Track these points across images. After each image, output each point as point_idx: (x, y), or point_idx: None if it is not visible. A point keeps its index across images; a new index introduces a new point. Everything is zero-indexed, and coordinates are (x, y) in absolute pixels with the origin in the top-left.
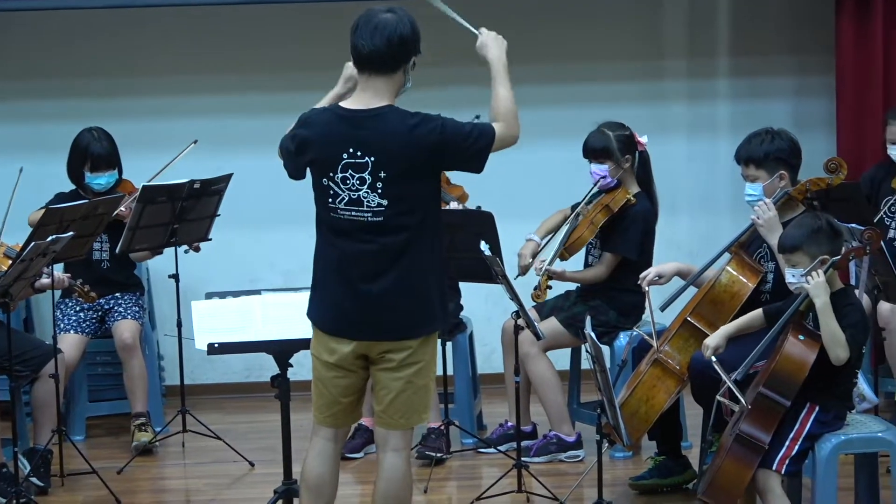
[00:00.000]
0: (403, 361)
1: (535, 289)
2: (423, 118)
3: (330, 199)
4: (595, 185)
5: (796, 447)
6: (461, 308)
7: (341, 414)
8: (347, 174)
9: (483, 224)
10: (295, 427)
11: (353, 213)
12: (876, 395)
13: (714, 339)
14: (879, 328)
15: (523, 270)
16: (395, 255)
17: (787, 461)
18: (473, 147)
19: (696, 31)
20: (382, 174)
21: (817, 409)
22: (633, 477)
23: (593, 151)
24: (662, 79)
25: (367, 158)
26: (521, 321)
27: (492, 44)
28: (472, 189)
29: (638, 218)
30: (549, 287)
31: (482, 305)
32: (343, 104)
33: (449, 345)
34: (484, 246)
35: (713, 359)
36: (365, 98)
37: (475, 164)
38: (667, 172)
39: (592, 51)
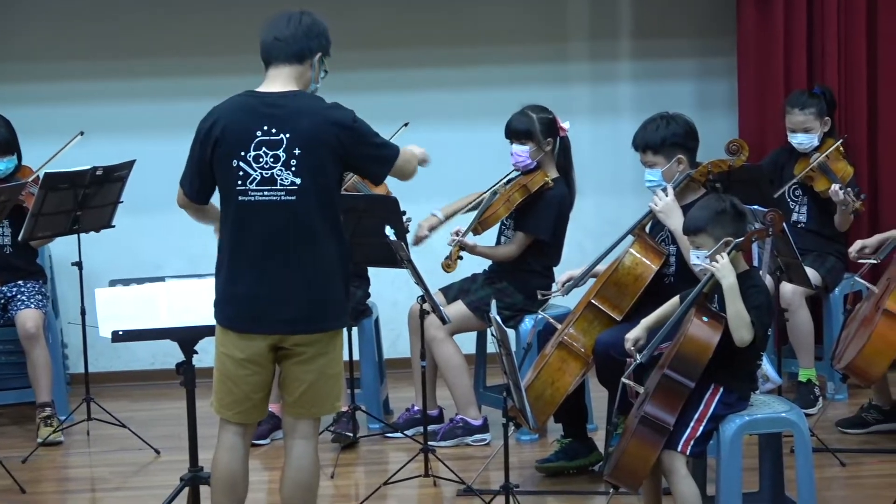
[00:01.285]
0: (317, 352)
1: (447, 258)
2: (336, 104)
3: (240, 182)
4: (516, 167)
5: (701, 428)
6: (368, 295)
7: (252, 410)
8: (261, 152)
9: (388, 209)
10: (201, 414)
11: (266, 193)
12: (779, 375)
13: (635, 332)
14: (782, 309)
15: (416, 240)
16: (308, 241)
17: (691, 442)
18: (380, 151)
19: (599, 14)
20: (297, 150)
21: (721, 390)
22: (540, 460)
23: (515, 132)
24: (565, 61)
25: (281, 135)
26: (426, 305)
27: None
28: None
29: (553, 201)
30: (461, 258)
31: (388, 290)
32: (262, 88)
33: (355, 330)
34: (389, 231)
35: (638, 356)
36: (275, 86)
37: (376, 169)
38: (572, 155)
39: (495, 33)
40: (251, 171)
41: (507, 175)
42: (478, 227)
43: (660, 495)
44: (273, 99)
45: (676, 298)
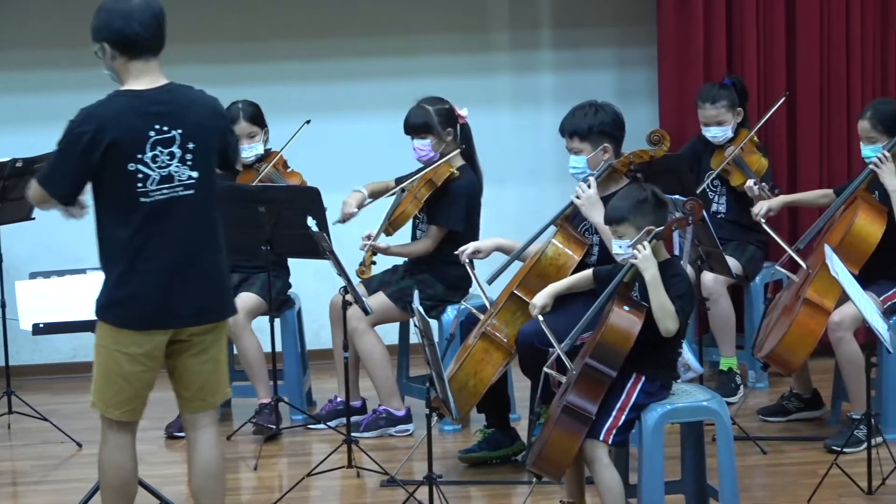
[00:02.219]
0: (213, 340)
1: (360, 264)
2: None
3: (139, 184)
4: (420, 161)
5: (623, 417)
6: (289, 286)
7: (140, 407)
8: (157, 151)
9: (309, 200)
10: None
11: (166, 191)
12: (700, 364)
13: (541, 297)
14: (703, 298)
15: (344, 218)
16: (208, 232)
17: (613, 431)
18: (235, 138)
19: (519, 3)
20: (190, 145)
21: (643, 379)
22: (463, 450)
23: (414, 127)
24: (486, 51)
25: (173, 132)
26: (348, 297)
27: None
28: (297, 162)
29: (462, 191)
30: (374, 262)
31: (310, 282)
32: (130, 88)
33: (277, 321)
34: (311, 222)
35: (540, 318)
36: (148, 81)
37: (235, 157)
38: (493, 145)
39: (417, 24)
40: (150, 172)
41: (415, 174)
42: (388, 228)
43: (582, 484)
44: (154, 96)
45: (589, 271)
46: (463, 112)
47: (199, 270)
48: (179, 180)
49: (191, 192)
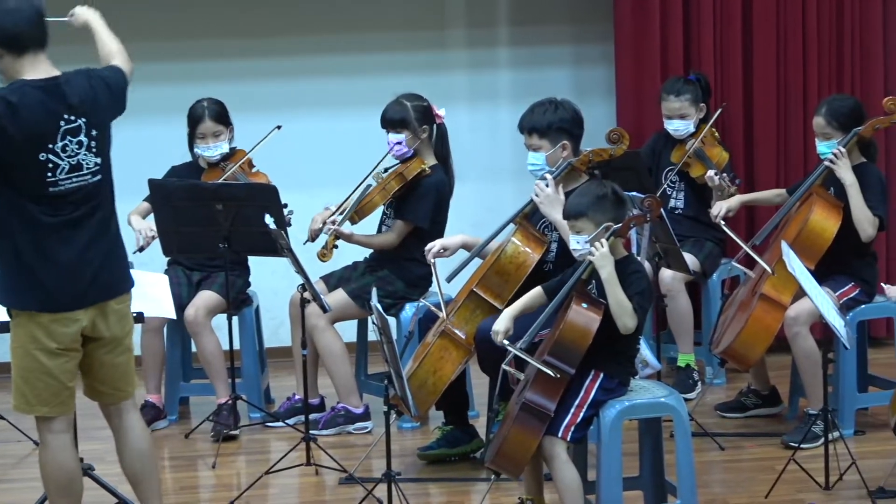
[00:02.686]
0: (124, 330)
1: (322, 247)
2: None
3: (49, 174)
4: (388, 153)
5: (581, 414)
6: (248, 284)
7: (69, 399)
8: (67, 141)
9: (268, 198)
10: (81, 405)
11: (75, 180)
12: (658, 361)
13: (501, 323)
14: (661, 295)
15: (311, 235)
16: (111, 212)
17: (572, 428)
18: (124, 86)
19: (476, 1)
20: (94, 132)
21: (601, 376)
22: (422, 447)
23: (391, 122)
24: (444, 48)
25: (79, 121)
26: (307, 294)
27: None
28: (258, 158)
29: (431, 189)
30: (336, 247)
31: (268, 279)
32: (31, 77)
33: (235, 319)
34: (269, 219)
35: (505, 342)
36: (44, 72)
37: (123, 106)
38: (450, 142)
39: (374, 21)
40: (60, 162)
41: (380, 161)
42: (354, 216)
43: (541, 481)
44: (59, 85)
45: (539, 289)
46: (441, 112)
47: (106, 249)
48: (87, 168)
49: (98, 178)
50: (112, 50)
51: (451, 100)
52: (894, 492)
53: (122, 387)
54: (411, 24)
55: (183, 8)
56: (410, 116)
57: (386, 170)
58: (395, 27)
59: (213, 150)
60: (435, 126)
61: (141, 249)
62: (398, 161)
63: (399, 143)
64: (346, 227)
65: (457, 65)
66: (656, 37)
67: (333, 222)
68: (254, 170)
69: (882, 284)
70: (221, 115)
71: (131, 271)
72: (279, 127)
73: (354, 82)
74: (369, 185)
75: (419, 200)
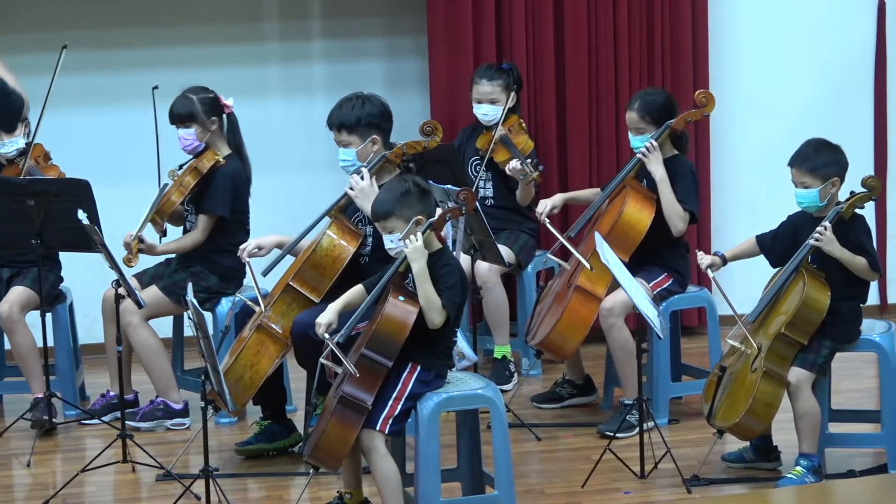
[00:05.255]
0: None
1: (128, 253)
2: None
3: None
4: (185, 151)
5: (399, 407)
6: (61, 279)
7: None
8: None
9: (80, 192)
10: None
11: None
12: (475, 352)
13: (325, 316)
14: (477, 287)
15: (127, 260)
16: None
17: (390, 421)
18: None
19: None
20: None
21: (419, 368)
22: (240, 442)
23: (178, 117)
24: (257, 41)
25: None
26: (121, 290)
27: None
28: (59, 157)
29: (227, 178)
30: (141, 250)
31: (82, 275)
32: None
33: (49, 316)
34: (82, 215)
35: (326, 336)
36: None
37: None
38: (264, 135)
39: (186, 14)
40: None
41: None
42: (156, 218)
43: (359, 474)
44: None
45: (360, 286)
46: (229, 101)
47: None
48: None
49: None
50: None
51: (266, 93)
52: (709, 479)
53: None
54: (224, 16)
55: None
56: (198, 109)
57: (180, 166)
58: (208, 20)
59: (7, 146)
60: (225, 116)
61: None
62: (191, 156)
63: (189, 138)
64: (148, 236)
65: (270, 57)
66: (469, 29)
67: (130, 237)
68: (49, 163)
69: (697, 251)
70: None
71: None
72: (65, 46)
73: (167, 75)
74: (166, 185)
75: (217, 191)
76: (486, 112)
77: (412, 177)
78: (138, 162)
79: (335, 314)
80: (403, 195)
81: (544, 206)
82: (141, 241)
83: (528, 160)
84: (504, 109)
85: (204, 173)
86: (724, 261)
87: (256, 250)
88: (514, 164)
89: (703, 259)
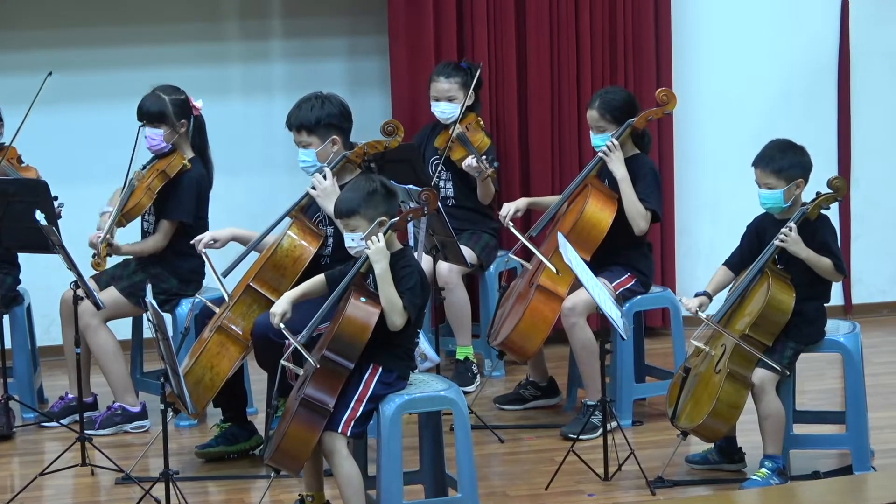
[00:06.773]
0: None
1: (95, 256)
2: None
3: None
4: (151, 150)
5: (361, 409)
6: (19, 281)
7: None
8: None
9: (38, 193)
10: None
11: None
12: (437, 354)
13: (280, 305)
14: (439, 288)
15: (95, 265)
16: None
17: (352, 423)
18: None
19: None
20: None
21: (380, 370)
22: (200, 445)
23: (149, 115)
24: (217, 40)
25: None
26: (80, 291)
27: None
28: (30, 155)
29: (192, 183)
30: (110, 255)
31: (40, 276)
32: None
33: (6, 318)
34: (39, 215)
35: (282, 325)
36: None
37: None
38: (224, 135)
39: (146, 12)
40: None
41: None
42: (122, 220)
43: (321, 477)
44: None
45: (322, 276)
46: (198, 104)
47: None
48: None
49: None
50: None
51: (225, 92)
52: (673, 481)
53: None
54: (184, 15)
55: None
56: (169, 111)
57: (144, 167)
58: (168, 19)
59: None
60: (192, 118)
61: None
62: (155, 157)
63: (157, 138)
64: (118, 233)
65: (230, 57)
66: (430, 29)
67: (101, 231)
68: (23, 164)
69: (681, 299)
70: None
71: None
72: (50, 73)
73: (126, 75)
74: (133, 186)
75: (181, 196)
76: (443, 110)
77: (378, 177)
78: (89, 161)
79: (289, 303)
80: (370, 194)
81: (507, 209)
82: (109, 244)
83: (484, 157)
84: (462, 107)
85: (171, 177)
86: (710, 297)
87: (212, 242)
88: (470, 160)
89: (691, 302)
